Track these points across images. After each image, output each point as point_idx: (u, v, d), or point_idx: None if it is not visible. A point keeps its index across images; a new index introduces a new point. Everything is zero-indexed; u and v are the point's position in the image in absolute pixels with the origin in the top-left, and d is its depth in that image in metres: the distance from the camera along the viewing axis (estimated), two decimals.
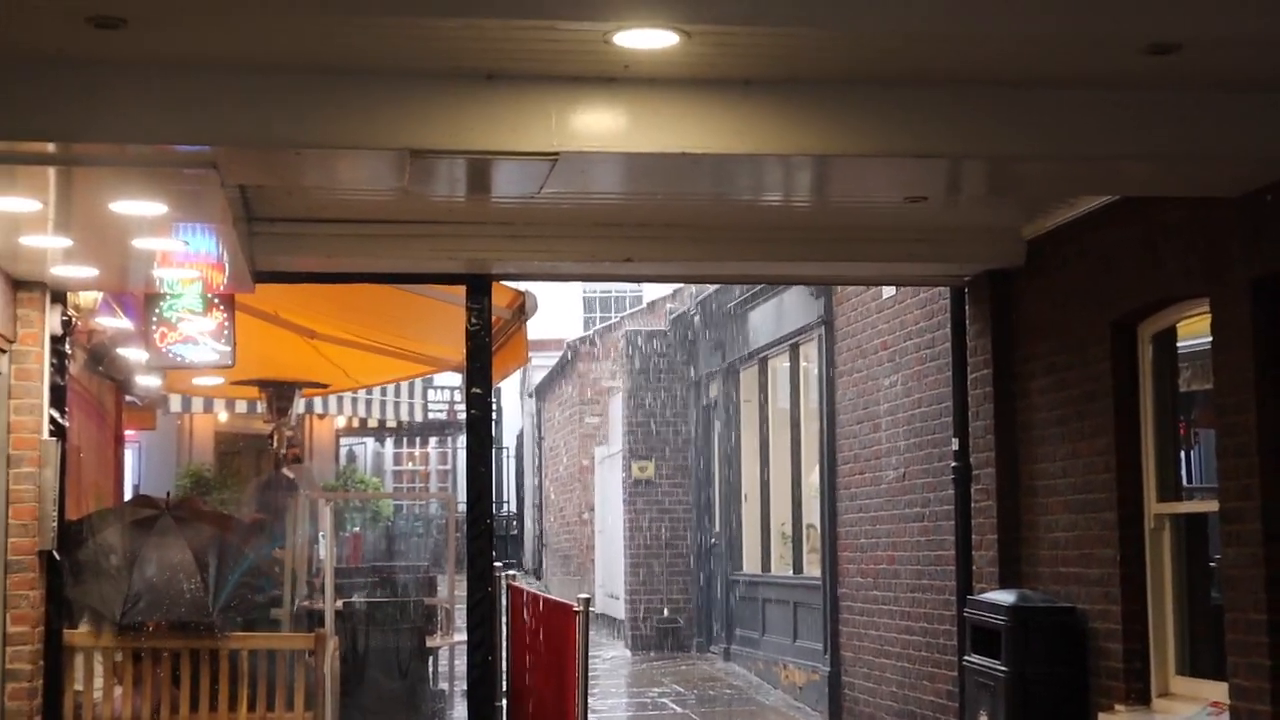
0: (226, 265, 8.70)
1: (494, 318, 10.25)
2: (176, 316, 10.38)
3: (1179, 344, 8.76)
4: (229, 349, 10.52)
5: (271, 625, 10.46)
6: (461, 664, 11.87)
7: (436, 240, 9.30)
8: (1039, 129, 6.59)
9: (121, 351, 11.94)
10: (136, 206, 7.12)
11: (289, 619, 10.71)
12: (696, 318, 21.30)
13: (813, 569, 15.78)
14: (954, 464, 10.69)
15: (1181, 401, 8.89)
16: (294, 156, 6.62)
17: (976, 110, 6.54)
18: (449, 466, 37.39)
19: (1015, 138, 6.63)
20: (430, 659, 13.35)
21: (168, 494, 11.10)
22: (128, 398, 14.72)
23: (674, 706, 15.95)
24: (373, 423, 24.52)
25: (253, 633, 10.06)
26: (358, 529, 24.57)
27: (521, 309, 10.96)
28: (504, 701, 11.06)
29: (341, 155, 6.62)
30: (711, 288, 19.77)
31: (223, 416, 20.55)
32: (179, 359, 10.55)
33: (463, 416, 11.67)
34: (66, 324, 9.52)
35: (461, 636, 11.71)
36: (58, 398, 9.47)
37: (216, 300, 10.36)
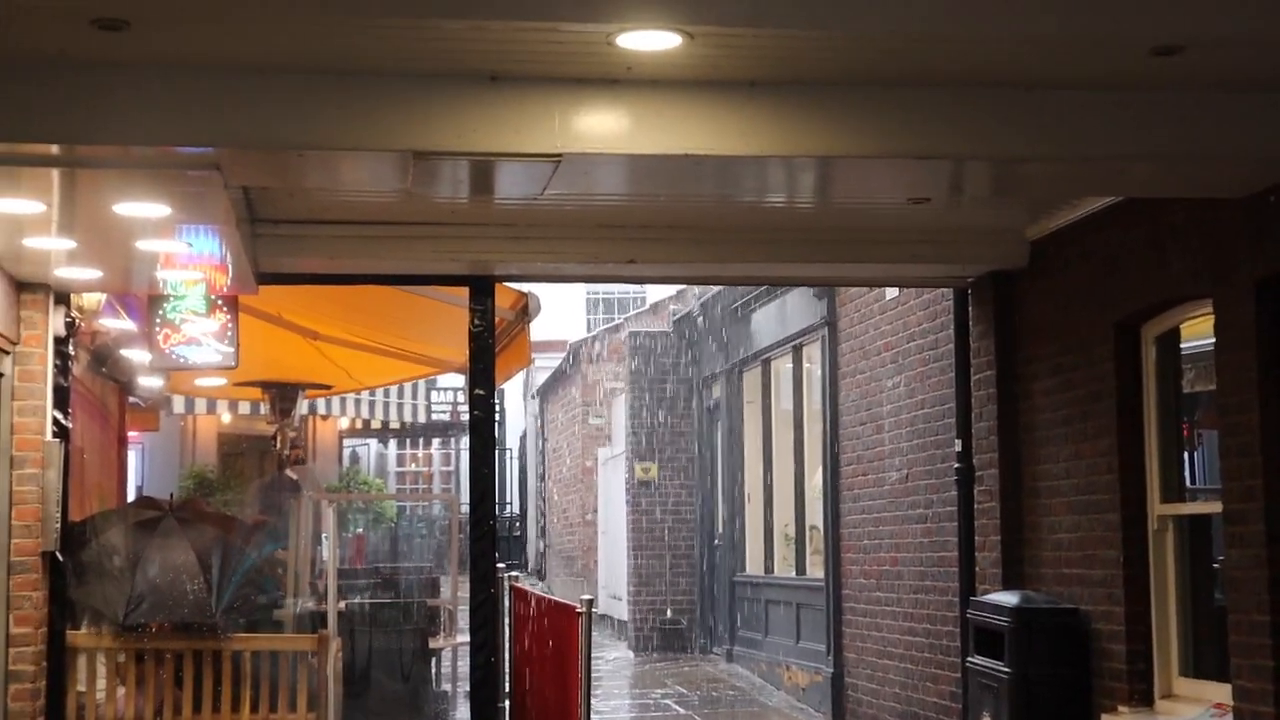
0: (229, 267, 8.70)
1: (497, 319, 10.25)
2: (180, 318, 10.39)
3: (1182, 345, 8.75)
4: (232, 350, 10.53)
5: (274, 626, 10.46)
6: (464, 665, 11.87)
7: (439, 241, 9.31)
8: (1042, 130, 6.59)
9: (125, 353, 11.95)
10: (140, 208, 7.13)
11: (292, 620, 10.72)
12: (700, 319, 21.30)
13: (816, 570, 15.78)
14: (957, 465, 10.69)
15: (1185, 402, 8.89)
16: (297, 158, 6.62)
17: (979, 111, 6.54)
18: (452, 468, 37.36)
19: (1018, 139, 6.63)
20: (433, 660, 13.37)
21: (171, 495, 11.12)
22: (131, 399, 14.73)
23: (677, 708, 15.95)
24: (376, 424, 24.49)
25: (255, 634, 10.06)
26: (361, 530, 24.57)
27: (524, 310, 10.95)
28: (506, 703, 11.05)
29: (344, 157, 6.63)
30: (715, 289, 19.77)
31: (226, 418, 20.55)
32: (182, 360, 10.56)
33: (466, 418, 11.68)
34: (70, 325, 9.53)
35: (464, 638, 11.71)
36: (61, 399, 9.47)
37: (220, 302, 10.37)
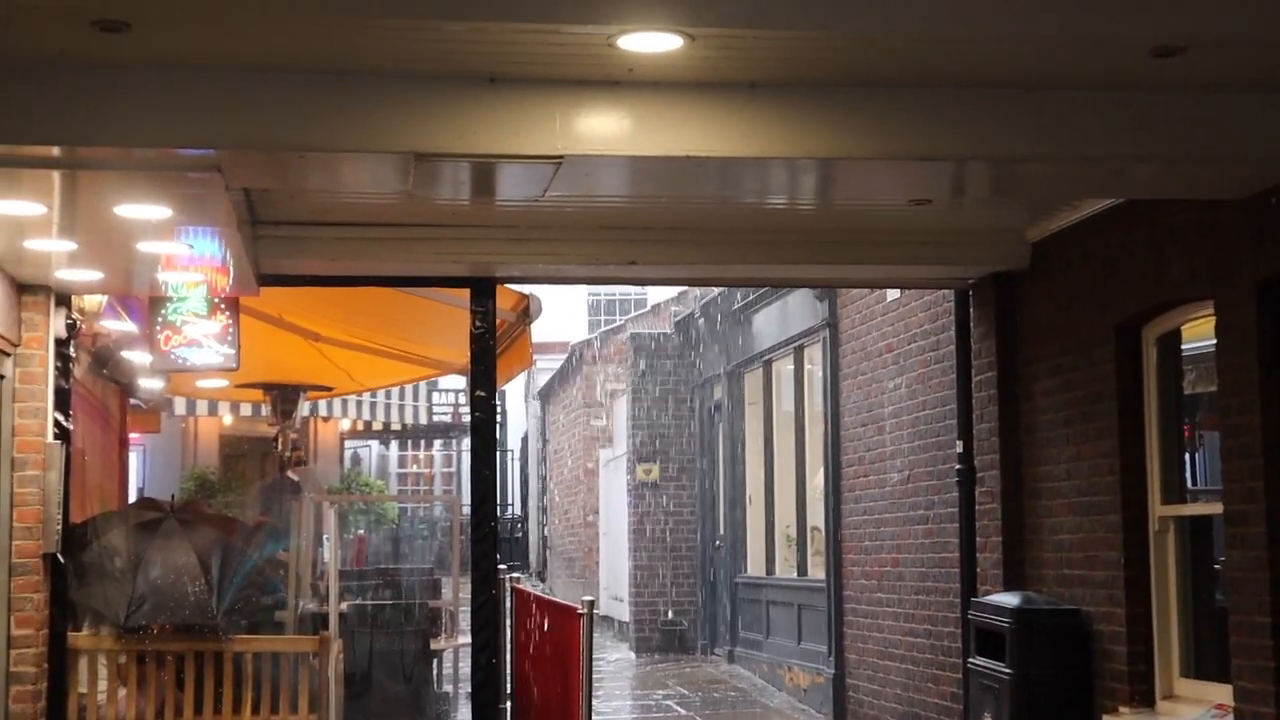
0: (231, 268, 8.70)
1: (498, 320, 10.25)
2: (181, 320, 10.39)
3: (1183, 346, 8.75)
4: (233, 352, 10.53)
5: (276, 628, 10.47)
6: (466, 666, 11.87)
7: (440, 243, 9.31)
8: (1042, 131, 6.59)
9: (126, 355, 11.95)
10: (141, 210, 7.13)
11: (293, 621, 10.73)
12: (701, 320, 21.30)
13: (817, 571, 15.77)
14: (958, 466, 10.69)
15: (1186, 404, 8.89)
16: (298, 160, 6.62)
17: (980, 112, 6.54)
18: (453, 469, 37.37)
19: (1019, 140, 6.63)
20: (434, 661, 13.38)
21: (172, 496, 11.12)
22: (132, 401, 14.73)
23: (678, 709, 15.95)
24: (377, 425, 24.54)
25: (257, 635, 10.07)
26: (362, 531, 24.56)
27: (526, 312, 10.96)
28: (508, 704, 11.05)
29: (345, 158, 6.63)
30: (716, 291, 19.77)
31: (227, 419, 20.58)
32: (183, 362, 10.56)
33: (467, 419, 11.68)
34: (71, 327, 9.53)
35: (466, 639, 11.72)
36: (62, 401, 9.48)
37: (221, 303, 10.37)
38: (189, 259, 8.43)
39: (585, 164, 6.60)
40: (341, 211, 8.89)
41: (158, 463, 21.22)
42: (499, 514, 10.31)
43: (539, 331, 11.99)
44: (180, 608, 9.73)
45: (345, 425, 24.32)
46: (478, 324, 9.84)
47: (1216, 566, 8.43)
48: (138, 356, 11.72)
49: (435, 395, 29.79)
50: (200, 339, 10.45)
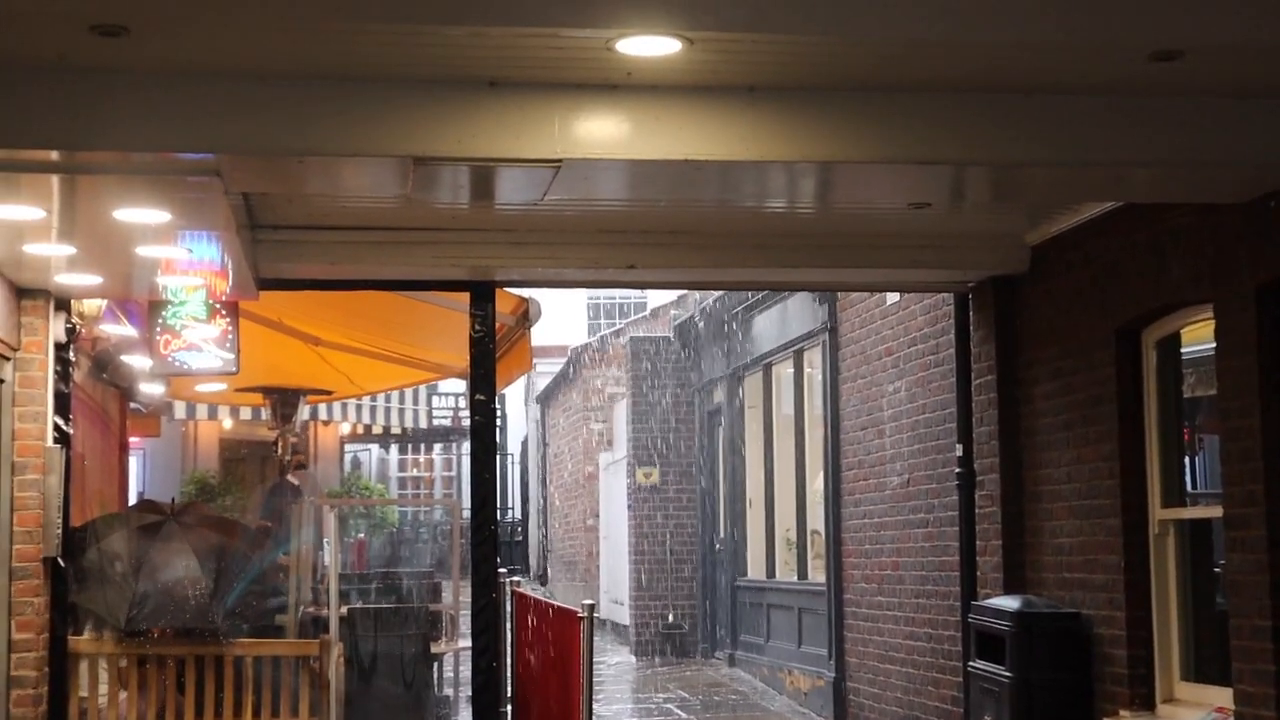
0: (230, 272, 8.71)
1: (498, 324, 10.25)
2: (180, 324, 10.39)
3: (1183, 350, 8.75)
4: (233, 356, 10.53)
5: (276, 631, 10.47)
6: (466, 670, 11.86)
7: (440, 247, 9.31)
8: (1042, 136, 6.60)
9: (125, 359, 11.95)
10: (140, 214, 7.13)
11: (294, 625, 10.73)
12: (700, 324, 21.30)
13: (817, 575, 15.77)
14: (958, 470, 10.69)
15: (1186, 407, 8.89)
16: (297, 164, 6.62)
17: (980, 117, 6.54)
18: (453, 473, 37.41)
19: (1018, 144, 6.63)
20: (435, 665, 13.36)
21: (172, 500, 11.12)
22: (132, 405, 14.74)
23: (679, 712, 15.94)
24: (377, 429, 24.53)
25: (257, 639, 10.07)
26: (362, 535, 24.57)
27: (525, 315, 10.96)
28: (509, 707, 11.05)
29: (344, 163, 6.63)
30: (716, 294, 19.77)
31: (227, 423, 20.57)
32: (183, 366, 10.56)
33: (467, 423, 11.68)
34: (70, 331, 9.54)
35: (466, 642, 11.72)
36: (62, 405, 9.48)
37: (220, 307, 10.37)
38: (188, 263, 8.44)
39: (584, 168, 6.60)
40: (341, 215, 8.89)
41: (158, 467, 21.22)
42: (499, 518, 10.30)
43: (538, 335, 12.00)
44: (181, 611, 9.73)
45: (345, 429, 24.33)
46: (477, 328, 9.84)
47: (1217, 570, 8.42)
48: (137, 361, 11.72)
49: (435, 399, 29.80)
50: (200, 343, 10.45)
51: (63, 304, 9.44)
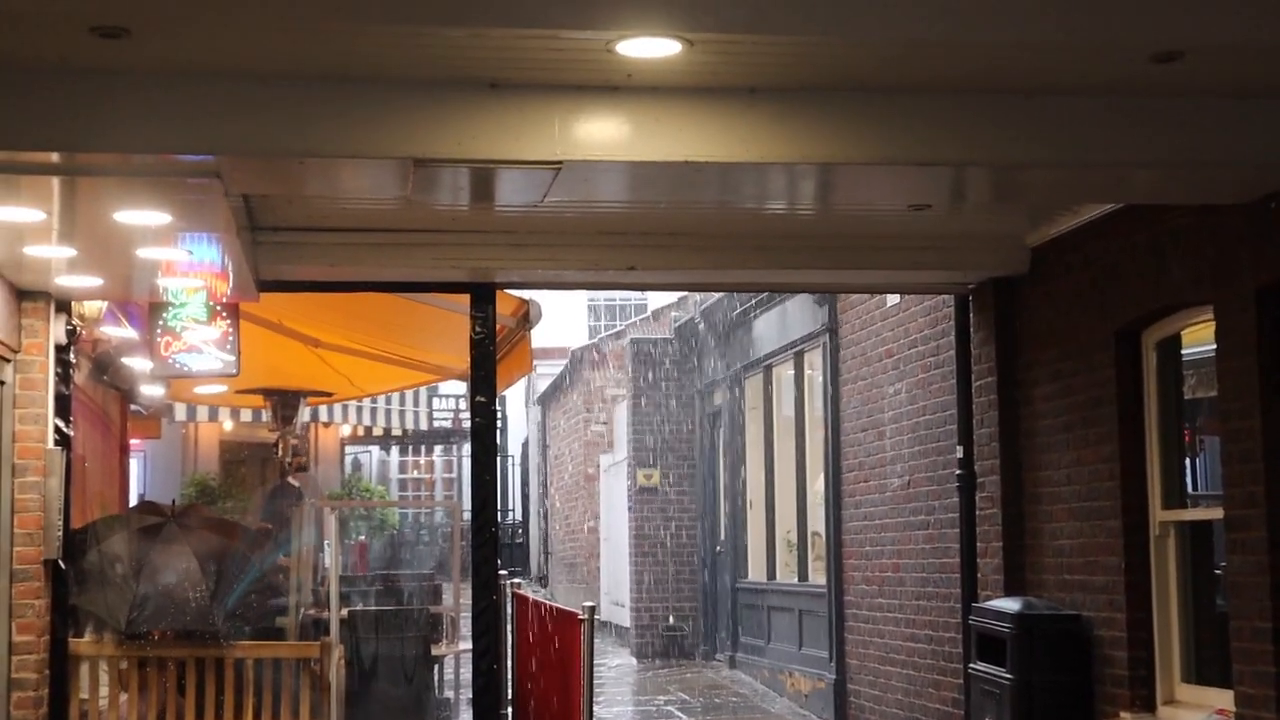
0: (230, 274, 8.71)
1: (498, 326, 10.25)
2: (181, 326, 10.39)
3: (1183, 351, 8.75)
4: (233, 358, 10.53)
5: (277, 633, 10.47)
6: (467, 672, 11.86)
7: (440, 249, 9.31)
8: (1043, 137, 6.59)
9: (126, 361, 11.95)
10: (140, 216, 7.13)
11: (294, 627, 10.72)
12: (701, 326, 21.30)
13: (818, 577, 15.76)
14: (959, 471, 10.69)
15: (1186, 408, 8.89)
16: (297, 165, 6.62)
17: (980, 118, 6.54)
18: (454, 475, 37.36)
19: (1019, 145, 6.63)
20: (435, 667, 13.37)
21: (173, 501, 11.12)
22: (133, 407, 14.74)
23: (680, 714, 15.94)
24: (378, 431, 24.51)
25: (258, 641, 10.07)
26: (363, 537, 24.57)
27: (526, 317, 10.96)
28: (509, 710, 11.05)
29: (344, 164, 6.63)
30: (716, 296, 19.77)
31: (228, 425, 20.57)
32: (183, 368, 10.56)
33: (467, 425, 11.68)
34: (71, 333, 9.54)
35: (467, 644, 11.72)
36: (62, 407, 9.48)
37: (221, 309, 10.37)
38: (189, 265, 8.44)
39: (584, 169, 6.60)
40: (341, 217, 8.89)
41: (158, 468, 21.21)
42: (500, 519, 10.30)
43: (539, 337, 12.00)
44: (181, 613, 9.73)
45: (346, 431, 24.32)
46: (477, 329, 9.84)
47: (1217, 571, 8.42)
48: (138, 362, 11.73)
49: (436, 401, 29.80)
50: (200, 345, 10.45)
51: (63, 306, 9.44)
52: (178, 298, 9.94)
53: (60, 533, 9.33)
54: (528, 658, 10.69)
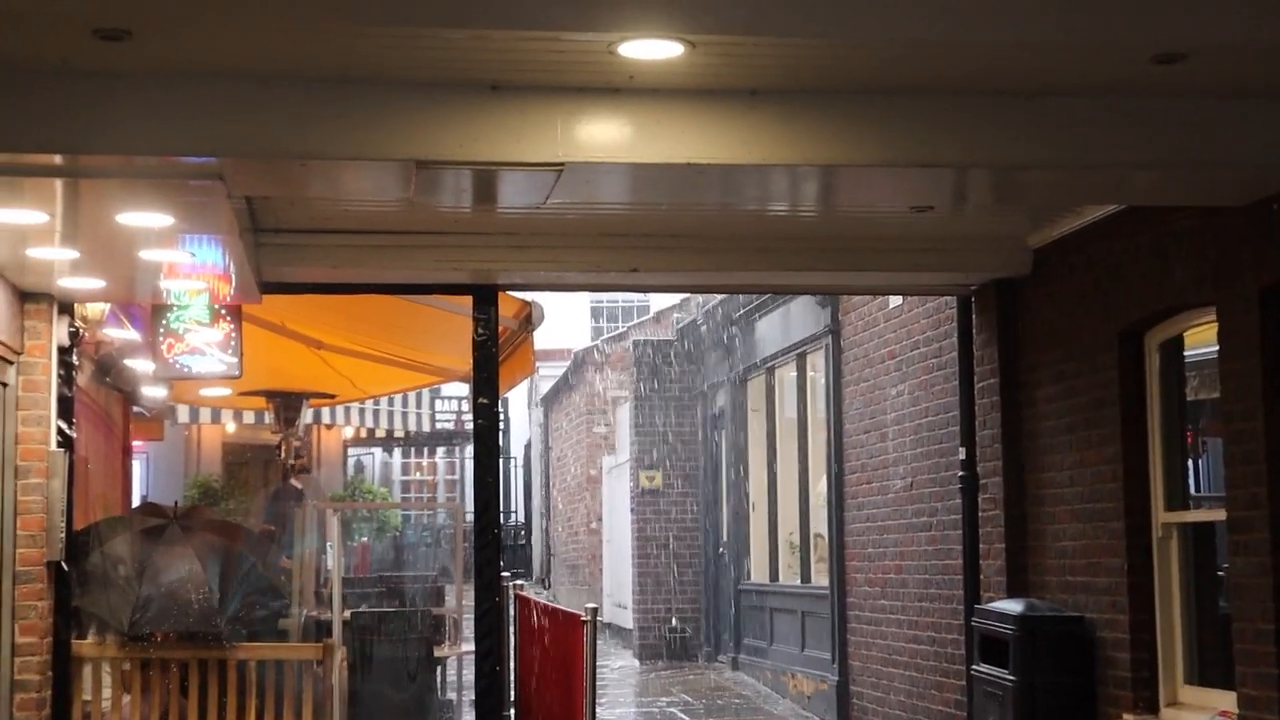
0: (233, 276, 8.71)
1: (501, 328, 10.26)
2: (183, 328, 10.39)
3: (1186, 353, 8.75)
4: (236, 360, 10.54)
5: (279, 635, 10.47)
6: (469, 674, 11.87)
7: (442, 251, 9.31)
8: (1044, 138, 6.59)
9: (129, 363, 11.96)
10: (143, 218, 7.14)
11: (297, 629, 10.73)
12: (703, 327, 21.30)
13: (820, 578, 15.76)
14: (961, 473, 10.68)
15: (1189, 410, 8.88)
16: (299, 167, 6.62)
17: (981, 119, 6.53)
18: (457, 476, 37.35)
19: (1020, 147, 6.62)
20: (438, 669, 13.36)
21: (175, 503, 11.13)
22: (135, 409, 14.73)
23: (683, 716, 15.94)
24: (380, 433, 24.50)
25: (260, 643, 10.07)
26: (365, 539, 24.57)
27: (528, 319, 10.96)
28: (512, 711, 11.06)
29: (347, 166, 6.63)
30: (718, 297, 19.78)
31: (230, 427, 20.56)
32: (186, 370, 10.57)
33: (470, 426, 11.69)
34: (74, 335, 9.54)
35: (469, 646, 11.71)
36: (65, 409, 9.49)
37: (223, 311, 10.37)
38: (191, 267, 8.44)
39: (586, 171, 6.60)
40: (343, 219, 8.89)
41: (161, 470, 21.21)
42: (502, 521, 10.31)
43: (541, 338, 12.01)
44: (184, 615, 9.74)
45: (348, 433, 24.30)
46: (480, 331, 9.84)
47: (1220, 573, 8.42)
48: (140, 364, 11.73)
49: (438, 402, 29.80)
50: (203, 347, 10.46)
51: (66, 308, 9.44)
52: (180, 300, 9.94)
53: (63, 534, 9.33)
54: (530, 659, 10.69)
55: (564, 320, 30.35)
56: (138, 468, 18.18)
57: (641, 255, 9.51)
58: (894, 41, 5.77)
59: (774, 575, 18.11)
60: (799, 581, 16.88)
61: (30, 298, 9.20)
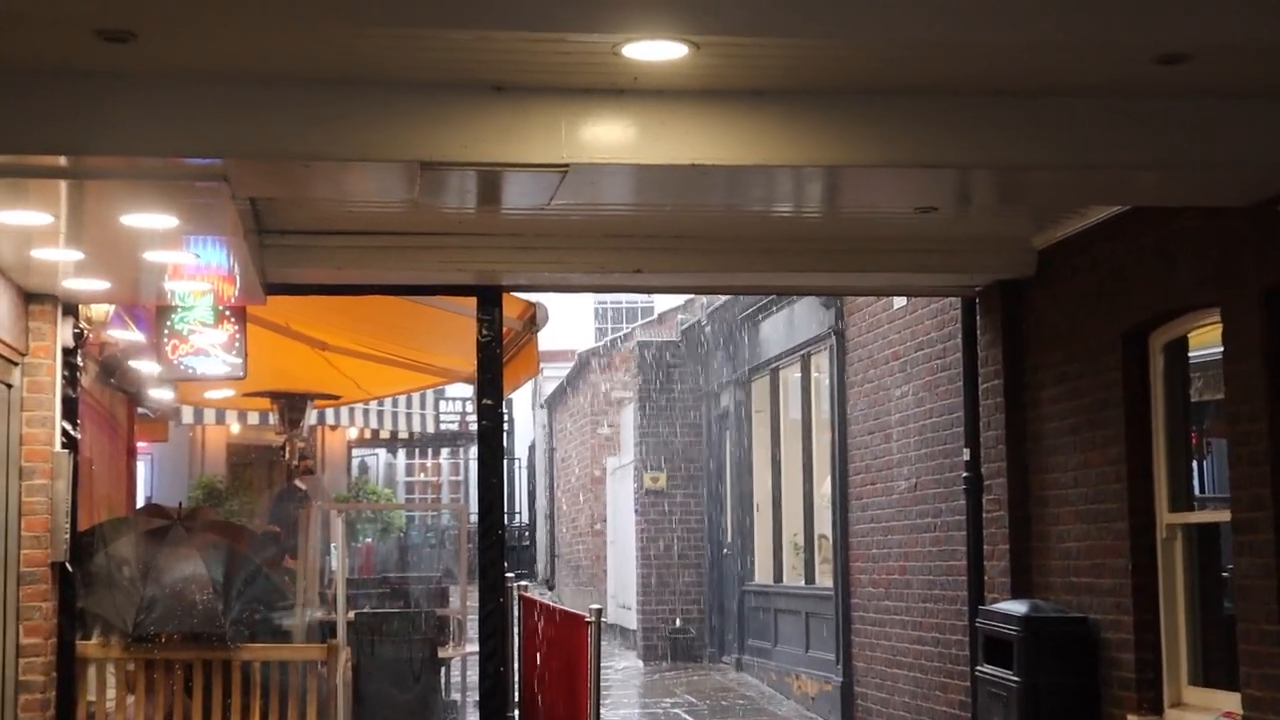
0: (237, 277, 8.71)
1: (505, 329, 10.26)
2: (188, 329, 10.40)
3: (1190, 354, 8.74)
4: (240, 361, 10.54)
5: (283, 636, 10.48)
6: (474, 675, 11.88)
7: (447, 252, 9.31)
8: (1048, 139, 6.59)
9: (133, 364, 11.97)
10: (147, 219, 7.14)
11: (301, 630, 10.73)
12: (708, 328, 21.31)
13: (825, 579, 15.77)
14: (965, 474, 10.68)
15: (1193, 411, 8.88)
16: (304, 168, 6.62)
17: (985, 120, 6.53)
18: (461, 477, 37.40)
19: (1024, 147, 6.62)
20: (442, 670, 13.37)
21: (180, 504, 11.15)
22: (140, 410, 14.76)
23: (687, 717, 15.94)
24: (384, 434, 24.51)
25: (265, 643, 10.08)
26: (369, 540, 24.58)
27: (532, 320, 10.97)
28: (516, 712, 11.06)
29: (351, 167, 6.63)
30: (722, 298, 19.79)
31: (235, 428, 20.59)
32: (190, 371, 10.57)
33: (474, 427, 11.70)
34: (78, 337, 9.55)
35: (473, 647, 11.72)
36: (70, 410, 9.49)
37: (228, 312, 10.38)
38: (196, 268, 8.45)
39: (591, 172, 6.60)
40: (348, 220, 8.90)
41: (165, 471, 21.24)
42: (506, 522, 10.30)
43: (546, 340, 12.01)
44: (188, 616, 9.75)
45: (353, 434, 24.33)
46: (484, 332, 9.85)
47: (1224, 574, 8.41)
48: (145, 366, 11.74)
49: (442, 403, 29.83)
50: (207, 348, 10.46)
51: (70, 309, 9.45)
52: (185, 301, 9.94)
53: (67, 535, 9.34)
54: (534, 660, 10.70)
55: (568, 321, 30.38)
56: (142, 469, 18.21)
57: (646, 256, 9.51)
58: (896, 42, 5.77)
59: (778, 576, 18.11)
60: (803, 582, 16.88)
61: (35, 299, 9.21)
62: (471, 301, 9.89)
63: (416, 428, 24.67)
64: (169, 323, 10.43)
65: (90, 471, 11.11)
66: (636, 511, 22.10)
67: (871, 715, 13.62)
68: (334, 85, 6.17)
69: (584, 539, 28.28)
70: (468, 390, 24.41)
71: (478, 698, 10.44)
